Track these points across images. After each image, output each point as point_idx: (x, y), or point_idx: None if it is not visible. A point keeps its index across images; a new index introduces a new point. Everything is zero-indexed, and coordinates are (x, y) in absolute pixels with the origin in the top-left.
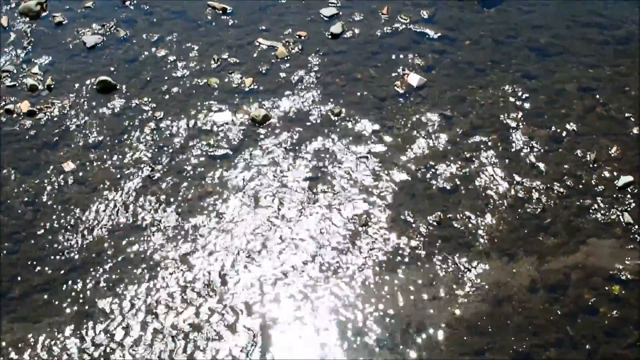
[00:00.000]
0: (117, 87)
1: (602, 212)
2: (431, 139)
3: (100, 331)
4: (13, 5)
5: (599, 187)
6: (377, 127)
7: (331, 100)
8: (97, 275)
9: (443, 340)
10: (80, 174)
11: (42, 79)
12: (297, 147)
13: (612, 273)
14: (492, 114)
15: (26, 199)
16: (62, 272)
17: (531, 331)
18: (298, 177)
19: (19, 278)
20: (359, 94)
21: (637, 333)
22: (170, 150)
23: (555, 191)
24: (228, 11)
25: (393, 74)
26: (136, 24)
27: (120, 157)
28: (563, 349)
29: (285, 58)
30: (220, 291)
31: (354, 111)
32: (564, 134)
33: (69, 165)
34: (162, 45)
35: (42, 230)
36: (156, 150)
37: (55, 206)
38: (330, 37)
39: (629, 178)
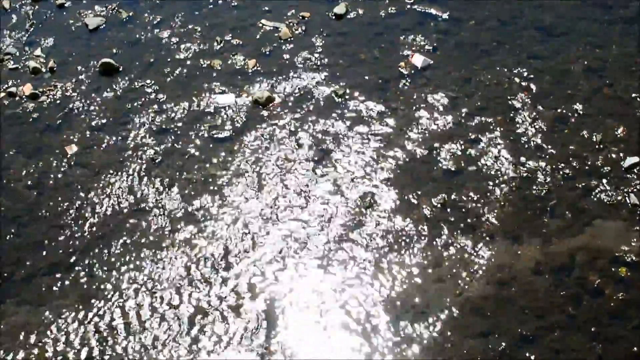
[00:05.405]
0: (120, 69)
1: (607, 193)
2: (436, 120)
3: (104, 314)
4: None
5: (605, 168)
6: (381, 108)
7: (335, 81)
8: (101, 258)
9: (447, 322)
10: (83, 156)
11: (44, 61)
12: (300, 129)
13: (618, 255)
14: (497, 95)
15: (29, 182)
16: (66, 255)
17: (535, 314)
18: (302, 159)
19: (23, 261)
20: (363, 75)
21: None
22: (173, 133)
23: (561, 172)
24: None
25: (397, 55)
26: (138, 6)
27: (123, 139)
28: (567, 332)
29: (289, 39)
30: (225, 274)
31: (358, 92)
32: (569, 114)
33: (71, 148)
34: (164, 27)
35: (46, 214)
36: (159, 132)
37: (58, 189)
38: (334, 17)
39: (635, 159)
